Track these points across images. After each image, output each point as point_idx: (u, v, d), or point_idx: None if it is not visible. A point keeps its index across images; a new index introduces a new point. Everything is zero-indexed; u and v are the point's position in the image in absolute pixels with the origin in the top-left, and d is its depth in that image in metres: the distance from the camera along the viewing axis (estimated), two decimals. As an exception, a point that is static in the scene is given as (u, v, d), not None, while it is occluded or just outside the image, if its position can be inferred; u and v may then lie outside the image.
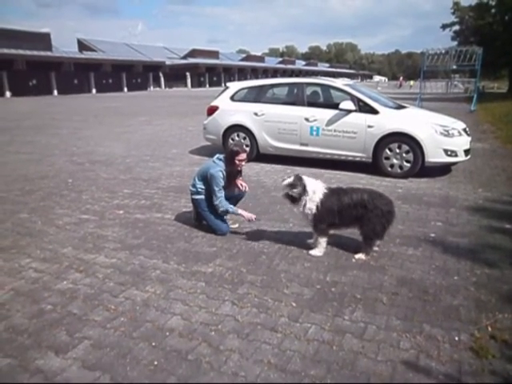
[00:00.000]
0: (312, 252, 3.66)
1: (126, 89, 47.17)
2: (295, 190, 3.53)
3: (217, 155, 4.21)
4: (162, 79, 54.12)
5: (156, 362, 2.26)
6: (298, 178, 3.59)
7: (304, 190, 3.53)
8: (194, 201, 4.26)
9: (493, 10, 31.48)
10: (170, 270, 3.37)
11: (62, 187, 5.95)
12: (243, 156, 4.06)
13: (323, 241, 3.65)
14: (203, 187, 4.15)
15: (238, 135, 7.55)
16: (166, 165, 7.49)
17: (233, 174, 4.11)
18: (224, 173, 4.01)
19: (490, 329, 2.53)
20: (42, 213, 4.79)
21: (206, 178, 4.08)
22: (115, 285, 3.12)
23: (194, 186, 4.23)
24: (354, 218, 3.55)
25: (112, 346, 2.40)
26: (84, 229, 4.29)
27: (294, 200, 3.57)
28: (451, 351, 2.34)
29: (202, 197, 4.17)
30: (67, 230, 4.25)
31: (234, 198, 4.24)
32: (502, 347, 2.37)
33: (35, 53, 36.90)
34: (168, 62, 54.25)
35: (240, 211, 4.05)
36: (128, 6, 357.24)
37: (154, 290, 3.03)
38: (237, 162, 4.04)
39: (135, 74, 49.31)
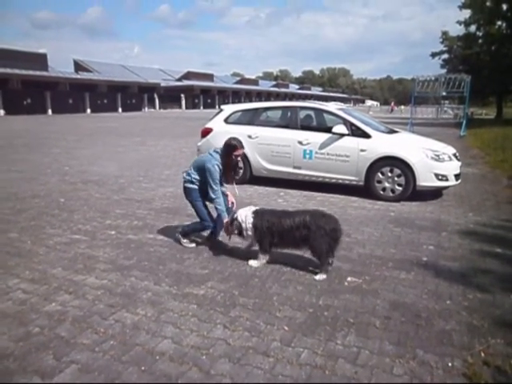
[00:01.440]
0: (250, 262, 3.91)
1: (120, 109, 47.49)
2: (235, 229, 3.91)
3: (214, 148, 4.29)
4: (157, 100, 54.66)
5: (145, 388, 2.20)
6: (232, 219, 3.96)
7: (238, 223, 3.87)
8: (186, 189, 4.33)
9: (480, 41, 32.58)
10: (161, 291, 3.33)
11: (54, 206, 5.90)
12: (240, 152, 4.15)
13: (263, 257, 3.90)
14: (197, 178, 4.22)
15: (231, 157, 7.60)
16: (159, 186, 7.49)
17: (229, 166, 4.18)
18: (220, 166, 4.08)
19: (482, 354, 2.52)
20: (33, 232, 4.74)
21: (202, 170, 4.14)
22: (105, 307, 3.07)
23: (188, 174, 4.30)
24: (300, 239, 3.73)
25: (100, 370, 2.35)
26: (75, 249, 4.24)
27: (241, 234, 3.91)
28: (444, 377, 2.32)
29: (195, 187, 4.25)
30: (57, 250, 4.20)
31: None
32: (495, 373, 2.36)
33: (31, 72, 37.17)
34: (163, 84, 54.97)
35: (226, 220, 4.07)
36: (125, 28, 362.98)
37: (144, 313, 2.99)
38: (233, 156, 4.13)
39: (130, 95, 49.77)
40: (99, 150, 12.43)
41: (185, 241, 4.41)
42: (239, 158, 4.30)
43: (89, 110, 43.42)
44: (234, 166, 4.29)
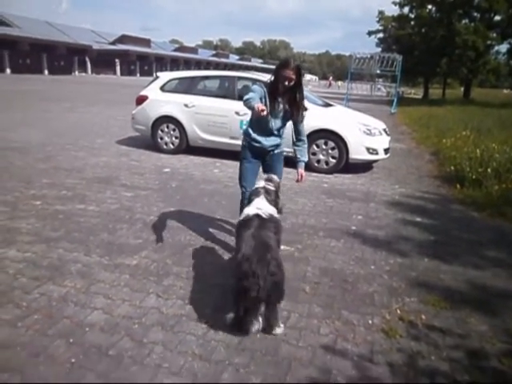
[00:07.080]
0: None
1: (46, 71, 43.61)
2: None
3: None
4: (89, 64, 50.88)
5: (73, 360, 2.15)
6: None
7: None
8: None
9: (412, 22, 34.06)
10: (91, 262, 3.21)
11: (-31, 175, 5.37)
12: (288, 73, 3.12)
13: None
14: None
15: (167, 126, 7.37)
16: (91, 154, 7.09)
17: (274, 89, 3.24)
18: (263, 88, 3.24)
19: (398, 311, 2.77)
20: None
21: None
22: (28, 280, 2.90)
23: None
24: None
25: (23, 345, 2.24)
26: (-7, 221, 3.92)
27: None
28: (365, 334, 2.52)
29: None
30: (-27, 222, 3.86)
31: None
32: (408, 327, 2.61)
33: None
34: (95, 47, 51.15)
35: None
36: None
37: (73, 285, 2.87)
38: (280, 75, 3.16)
39: (58, 57, 45.71)
40: (20, 116, 11.38)
41: None
42: (286, 83, 3.16)
43: (8, 71, 39.38)
44: (277, 91, 3.22)
